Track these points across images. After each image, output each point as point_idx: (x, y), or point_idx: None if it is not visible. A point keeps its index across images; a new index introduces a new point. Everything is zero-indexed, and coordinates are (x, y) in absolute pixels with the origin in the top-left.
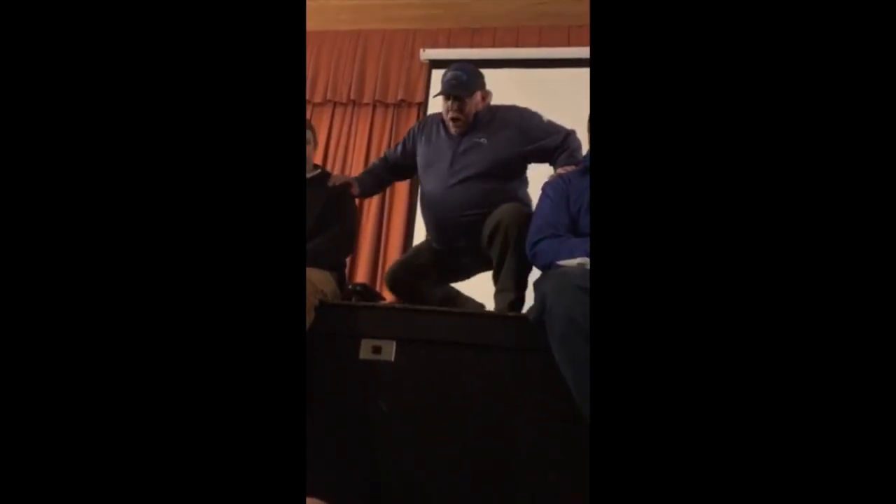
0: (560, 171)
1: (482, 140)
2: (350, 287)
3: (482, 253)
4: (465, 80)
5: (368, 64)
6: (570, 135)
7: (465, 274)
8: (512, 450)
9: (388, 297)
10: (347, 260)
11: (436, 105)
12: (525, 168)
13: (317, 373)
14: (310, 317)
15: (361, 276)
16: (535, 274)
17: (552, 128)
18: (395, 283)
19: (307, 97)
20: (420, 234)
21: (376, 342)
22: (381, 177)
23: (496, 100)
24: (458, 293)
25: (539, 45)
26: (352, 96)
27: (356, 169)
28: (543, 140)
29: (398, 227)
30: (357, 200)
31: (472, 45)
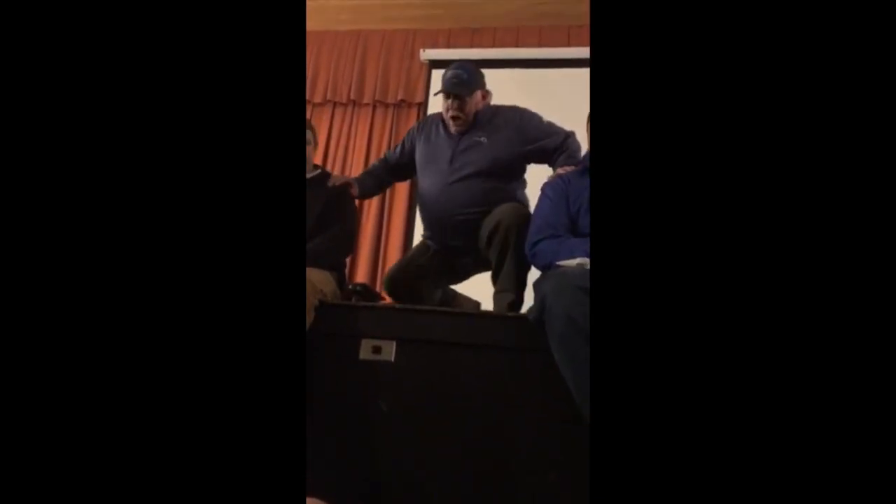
0: (559, 171)
1: (482, 139)
2: (350, 287)
3: (480, 253)
4: (465, 79)
5: (368, 64)
6: (569, 136)
7: (464, 275)
8: (512, 450)
9: (388, 299)
10: (347, 260)
11: (436, 105)
12: (524, 169)
13: (317, 373)
14: (310, 317)
15: (361, 276)
16: (534, 274)
17: (552, 129)
18: (393, 287)
19: (307, 97)
20: (420, 234)
21: (376, 342)
22: (380, 178)
23: (496, 100)
24: (455, 293)
25: (539, 45)
26: (352, 96)
27: (356, 169)
28: (543, 141)
29: (398, 227)
30: (357, 201)
31: (472, 45)
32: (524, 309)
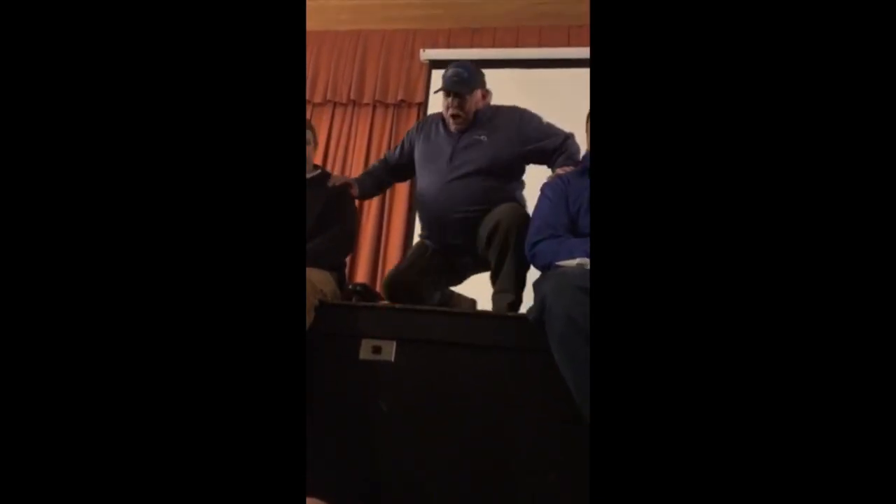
0: (558, 171)
1: (482, 137)
2: (350, 287)
3: (478, 253)
4: (466, 77)
5: (368, 64)
6: (568, 138)
7: (463, 275)
8: (512, 450)
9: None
10: (347, 260)
11: (436, 106)
12: (523, 170)
13: (317, 373)
14: (310, 317)
15: (361, 276)
16: (533, 274)
17: (551, 130)
18: (393, 291)
19: (307, 97)
20: (418, 234)
21: (376, 342)
22: (380, 178)
23: (496, 100)
24: (452, 292)
25: (539, 45)
26: (352, 96)
27: (356, 169)
28: (542, 141)
29: (398, 227)
30: (357, 201)
31: (472, 45)
32: (524, 309)
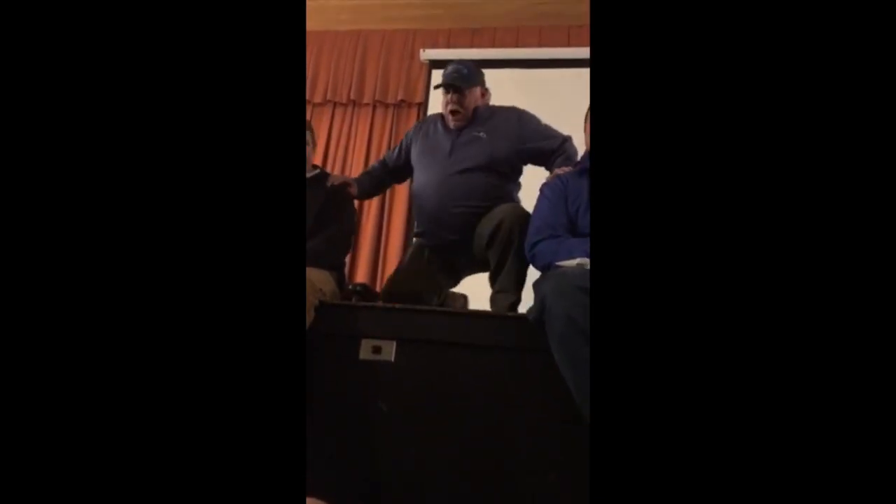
0: (557, 171)
1: (481, 134)
2: (350, 287)
3: (476, 253)
4: (465, 74)
5: (368, 64)
6: (567, 140)
7: (459, 276)
8: (512, 450)
9: None
10: (347, 260)
11: (436, 106)
12: (521, 170)
13: (317, 373)
14: (310, 317)
15: (361, 276)
16: (533, 274)
17: (549, 132)
18: (392, 297)
19: (307, 97)
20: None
21: (376, 342)
22: (379, 178)
23: (496, 99)
24: (448, 292)
25: (539, 45)
26: (352, 96)
27: (356, 169)
28: (541, 142)
29: (398, 227)
30: (356, 201)
31: (472, 45)
32: (524, 309)
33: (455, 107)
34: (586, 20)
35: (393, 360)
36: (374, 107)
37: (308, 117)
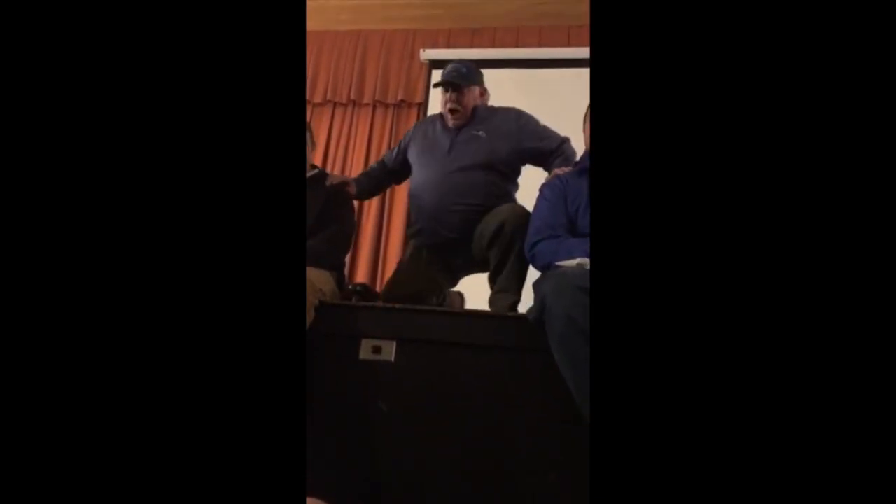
0: (556, 171)
1: (480, 133)
2: (350, 287)
3: (476, 252)
4: (464, 73)
5: (368, 64)
6: (565, 141)
7: (456, 276)
8: (512, 450)
9: None
10: (347, 260)
11: (436, 107)
12: (519, 171)
13: (317, 373)
14: (310, 316)
15: (361, 276)
16: (533, 274)
17: (547, 132)
18: (394, 301)
19: (307, 97)
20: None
21: (376, 342)
22: (378, 178)
23: (496, 99)
24: (447, 291)
25: (539, 45)
26: (352, 96)
27: (356, 169)
28: (539, 142)
29: (398, 227)
30: (356, 201)
31: (472, 45)
32: (524, 309)
33: (454, 105)
34: (586, 20)
35: (393, 360)
36: (374, 107)
37: (308, 117)
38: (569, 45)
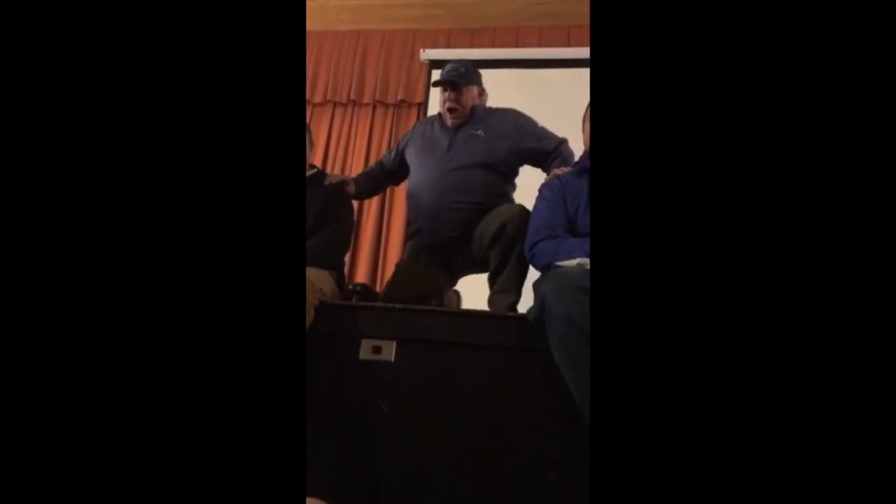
0: (556, 171)
1: (479, 132)
2: (350, 287)
3: (476, 252)
4: (462, 72)
5: (368, 64)
6: (563, 143)
7: (456, 276)
8: (512, 450)
9: None
10: (347, 260)
11: (436, 106)
12: (517, 171)
13: (317, 373)
14: (310, 316)
15: (361, 276)
16: (533, 274)
17: (545, 133)
18: (394, 302)
19: (307, 97)
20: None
21: (376, 342)
22: (377, 178)
23: (495, 100)
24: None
25: (539, 45)
26: (352, 96)
27: (356, 169)
28: (537, 143)
29: (398, 227)
30: (356, 201)
31: (472, 45)
32: (524, 309)
33: (452, 104)
34: (586, 20)
35: (393, 360)
36: (374, 107)
37: (308, 117)
38: (569, 45)
